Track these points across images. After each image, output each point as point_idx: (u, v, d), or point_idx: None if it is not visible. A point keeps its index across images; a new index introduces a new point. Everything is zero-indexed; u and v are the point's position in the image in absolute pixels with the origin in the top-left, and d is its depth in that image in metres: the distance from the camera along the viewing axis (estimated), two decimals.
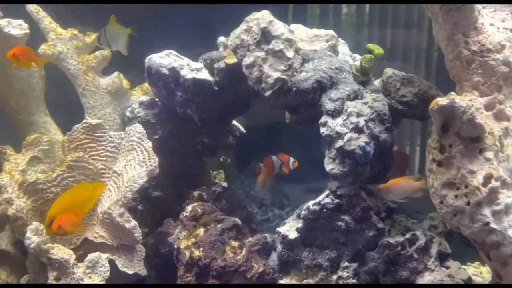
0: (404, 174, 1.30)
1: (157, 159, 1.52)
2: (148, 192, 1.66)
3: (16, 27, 1.65)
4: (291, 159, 1.66)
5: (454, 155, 1.17)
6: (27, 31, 1.67)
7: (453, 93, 1.19)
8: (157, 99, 1.65)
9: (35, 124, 1.75)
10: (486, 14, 1.25)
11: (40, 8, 1.73)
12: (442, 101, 1.15)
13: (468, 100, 1.17)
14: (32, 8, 1.71)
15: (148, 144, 1.53)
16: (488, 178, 1.14)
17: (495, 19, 1.26)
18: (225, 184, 1.74)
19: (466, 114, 1.14)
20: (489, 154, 1.16)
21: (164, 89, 1.55)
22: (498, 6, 1.27)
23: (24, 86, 1.73)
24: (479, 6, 1.23)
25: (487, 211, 1.14)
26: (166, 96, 1.56)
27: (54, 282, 1.49)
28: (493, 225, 1.13)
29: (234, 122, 1.79)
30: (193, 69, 1.50)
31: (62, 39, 1.71)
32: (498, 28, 1.24)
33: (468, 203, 1.15)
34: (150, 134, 1.56)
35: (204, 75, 1.50)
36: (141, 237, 1.52)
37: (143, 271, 1.53)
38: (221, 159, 1.96)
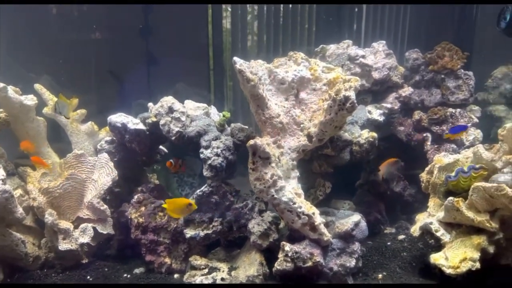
0: None
1: (116, 172, 2.77)
2: (112, 189, 2.84)
3: (30, 99, 2.82)
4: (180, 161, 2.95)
5: (258, 166, 2.53)
6: (36, 101, 2.84)
7: (257, 137, 2.57)
8: (115, 138, 2.83)
9: (42, 153, 2.92)
10: (273, 99, 2.64)
11: (42, 86, 2.90)
12: (251, 141, 2.50)
13: (264, 140, 2.55)
14: (37, 87, 2.88)
15: (111, 164, 2.77)
16: (272, 175, 2.52)
17: (277, 101, 2.62)
18: (156, 181, 3.01)
19: (261, 147, 2.52)
20: (273, 164, 2.52)
21: (118, 134, 2.76)
22: (279, 93, 2.66)
23: (35, 132, 2.87)
24: (268, 96, 2.61)
25: (272, 190, 2.50)
26: (120, 137, 2.76)
27: (62, 241, 2.70)
28: (275, 196, 2.50)
29: (161, 147, 3.06)
30: (134, 123, 2.75)
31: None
32: (278, 105, 2.62)
33: (265, 187, 2.52)
34: (111, 158, 2.78)
35: (141, 126, 2.75)
36: (109, 214, 2.78)
37: (112, 231, 2.80)
38: (155, 167, 3.23)
